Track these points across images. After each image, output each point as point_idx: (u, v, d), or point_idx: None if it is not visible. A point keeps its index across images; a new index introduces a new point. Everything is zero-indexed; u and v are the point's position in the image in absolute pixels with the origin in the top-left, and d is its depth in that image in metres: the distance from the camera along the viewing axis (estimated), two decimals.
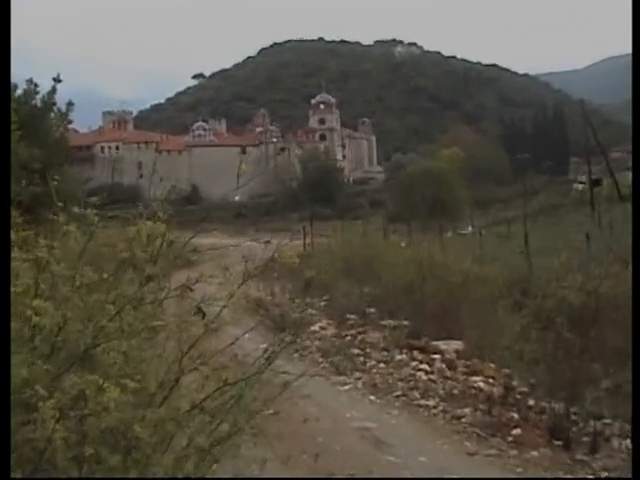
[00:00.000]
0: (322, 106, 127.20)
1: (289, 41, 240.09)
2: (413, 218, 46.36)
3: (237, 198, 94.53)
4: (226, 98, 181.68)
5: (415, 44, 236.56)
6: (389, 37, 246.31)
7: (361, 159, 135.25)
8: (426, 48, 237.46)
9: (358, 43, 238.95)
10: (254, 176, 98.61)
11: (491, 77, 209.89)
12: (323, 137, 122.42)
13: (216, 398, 3.79)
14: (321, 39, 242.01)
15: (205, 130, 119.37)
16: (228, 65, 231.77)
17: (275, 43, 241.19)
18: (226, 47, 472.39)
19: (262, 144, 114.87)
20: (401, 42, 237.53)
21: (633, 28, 5.91)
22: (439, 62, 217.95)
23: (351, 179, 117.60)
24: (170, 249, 4.07)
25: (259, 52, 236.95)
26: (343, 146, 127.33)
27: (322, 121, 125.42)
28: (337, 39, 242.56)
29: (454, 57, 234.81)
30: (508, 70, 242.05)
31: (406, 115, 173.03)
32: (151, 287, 3.75)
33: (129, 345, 3.55)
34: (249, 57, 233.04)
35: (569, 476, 8.31)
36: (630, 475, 4.65)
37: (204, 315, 4.01)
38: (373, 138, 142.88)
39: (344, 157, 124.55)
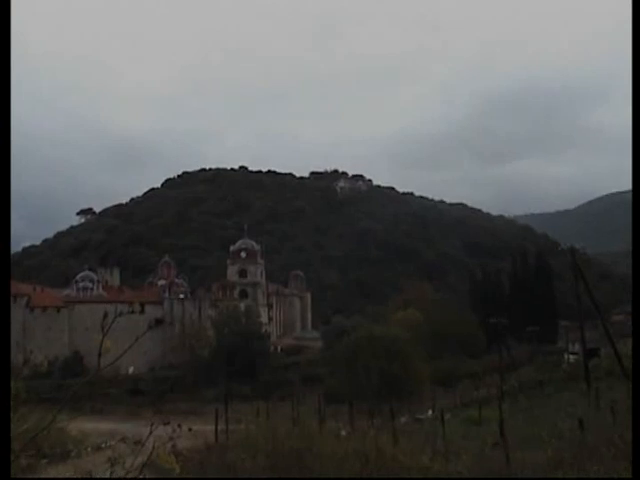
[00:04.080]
0: (243, 254, 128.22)
1: (203, 170, 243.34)
2: (358, 399, 46.26)
3: (131, 370, 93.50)
4: (121, 241, 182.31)
5: (362, 177, 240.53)
6: (329, 168, 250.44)
7: (292, 322, 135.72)
8: (376, 182, 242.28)
9: (290, 174, 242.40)
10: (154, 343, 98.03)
11: (457, 219, 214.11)
12: (244, 293, 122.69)
13: None
14: (243, 168, 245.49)
15: (92, 282, 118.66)
16: (124, 199, 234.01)
17: (185, 172, 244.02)
18: (123, 177, 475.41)
19: (165, 301, 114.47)
20: (344, 174, 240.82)
21: (633, 30, 6.19)
22: (392, 199, 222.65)
23: (279, 347, 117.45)
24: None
25: (164, 183, 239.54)
26: (270, 305, 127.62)
27: (243, 273, 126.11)
28: (264, 169, 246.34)
29: (411, 193, 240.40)
30: (479, 210, 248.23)
31: (350, 266, 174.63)
32: None
33: None
34: (151, 189, 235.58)
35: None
36: None
37: None
38: (308, 295, 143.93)
39: (270, 319, 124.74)
